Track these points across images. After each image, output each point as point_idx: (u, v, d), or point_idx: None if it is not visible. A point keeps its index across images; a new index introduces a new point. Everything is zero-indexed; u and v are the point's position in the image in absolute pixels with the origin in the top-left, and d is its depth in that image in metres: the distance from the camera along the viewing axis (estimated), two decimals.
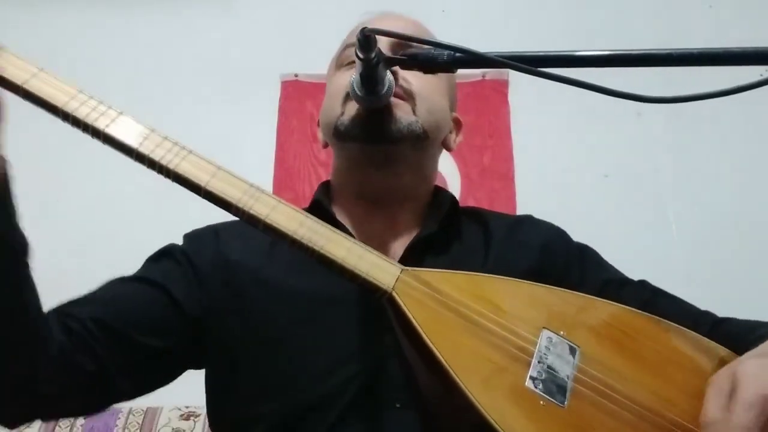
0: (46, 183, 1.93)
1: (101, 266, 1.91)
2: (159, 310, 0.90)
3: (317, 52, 2.23)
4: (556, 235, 1.07)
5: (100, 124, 0.72)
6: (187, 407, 1.64)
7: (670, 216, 2.10)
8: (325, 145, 1.08)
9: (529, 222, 1.10)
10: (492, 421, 0.67)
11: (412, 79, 0.96)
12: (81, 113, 0.72)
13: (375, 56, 0.77)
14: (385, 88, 0.85)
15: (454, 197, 1.07)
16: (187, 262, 0.95)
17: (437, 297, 0.75)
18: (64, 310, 0.84)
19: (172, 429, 1.67)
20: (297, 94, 2.23)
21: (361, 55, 0.78)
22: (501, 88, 2.22)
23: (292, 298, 0.89)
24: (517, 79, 2.15)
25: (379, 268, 0.74)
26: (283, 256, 0.93)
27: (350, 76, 0.94)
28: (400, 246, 0.97)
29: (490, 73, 2.21)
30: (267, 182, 2.13)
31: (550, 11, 2.32)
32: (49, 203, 1.92)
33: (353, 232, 0.97)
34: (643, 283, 1.02)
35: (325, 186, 1.08)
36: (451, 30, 2.18)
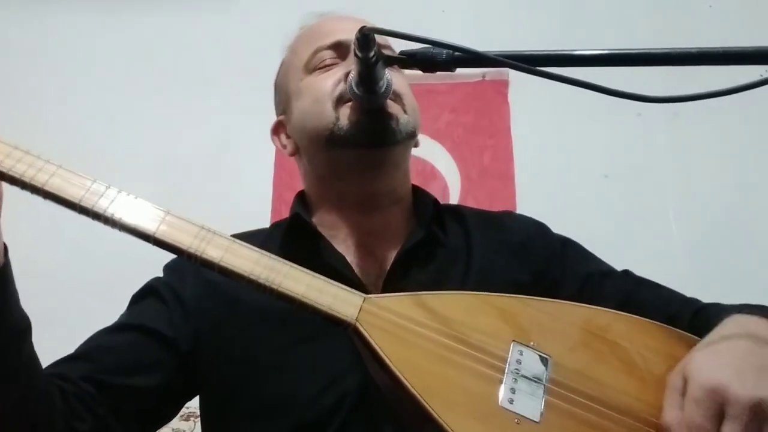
0: None
1: (99, 266, 1.90)
2: (149, 353, 0.90)
3: None
4: (536, 229, 1.06)
5: (39, 181, 0.70)
6: (187, 408, 1.63)
7: (670, 216, 2.10)
8: (293, 154, 1.05)
9: (508, 218, 1.09)
10: None
11: (393, 78, 0.93)
12: (17, 171, 0.70)
13: (374, 55, 0.77)
14: (384, 86, 0.85)
15: (436, 199, 1.05)
16: (173, 296, 0.94)
17: (403, 323, 0.74)
18: (56, 372, 0.83)
19: (172, 429, 1.67)
20: None
21: (359, 54, 0.78)
22: (501, 88, 2.22)
23: (281, 319, 0.88)
24: (517, 79, 2.15)
25: (340, 300, 0.73)
26: None
27: (333, 79, 0.95)
28: (387, 257, 0.96)
29: (490, 73, 2.21)
30: (267, 182, 2.13)
31: (550, 11, 2.31)
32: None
33: (337, 245, 0.96)
34: (626, 273, 1.01)
35: (301, 197, 1.06)
36: (451, 30, 2.19)
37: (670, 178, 2.14)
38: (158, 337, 0.90)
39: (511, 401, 0.71)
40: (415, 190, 1.06)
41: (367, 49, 0.77)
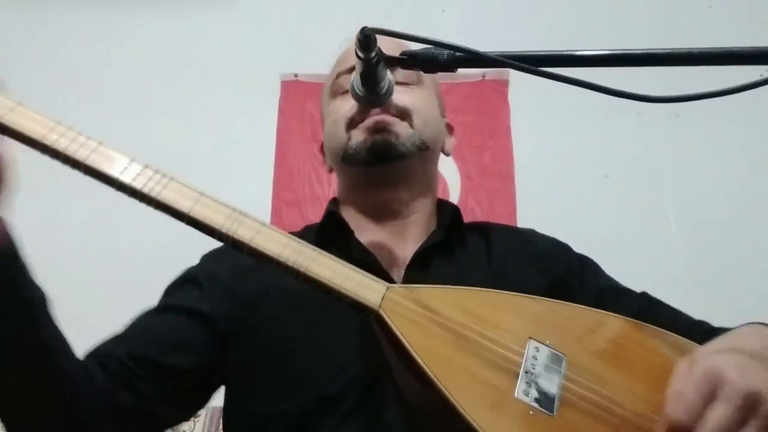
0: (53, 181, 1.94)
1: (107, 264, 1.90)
2: (191, 332, 0.94)
3: (317, 52, 2.22)
4: (558, 246, 1.10)
5: (80, 155, 0.72)
6: None
7: (670, 216, 2.10)
8: (331, 170, 1.14)
9: (531, 234, 1.13)
10: (480, 430, 0.67)
11: (404, 96, 1.01)
12: (60, 145, 0.71)
13: (375, 56, 0.77)
14: (385, 87, 0.85)
15: (457, 207, 1.10)
16: (209, 279, 1.00)
17: (424, 313, 0.75)
18: (100, 351, 0.88)
19: (173, 428, 1.67)
20: (297, 94, 2.22)
21: (361, 55, 0.78)
22: (501, 88, 2.22)
23: (305, 302, 0.91)
24: (517, 79, 2.15)
25: (364, 286, 0.74)
26: None
27: (348, 104, 1.01)
28: (408, 253, 1.00)
29: (490, 73, 2.21)
30: (267, 182, 2.14)
31: (550, 11, 2.32)
32: (54, 202, 1.92)
33: (363, 243, 1.00)
34: (642, 294, 1.04)
35: (334, 201, 1.13)
36: (451, 30, 2.20)
37: (670, 178, 2.15)
38: (198, 315, 0.95)
39: (526, 393, 0.72)
40: (441, 202, 1.12)
41: (369, 50, 0.77)
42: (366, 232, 1.03)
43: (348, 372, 0.88)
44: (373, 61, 0.79)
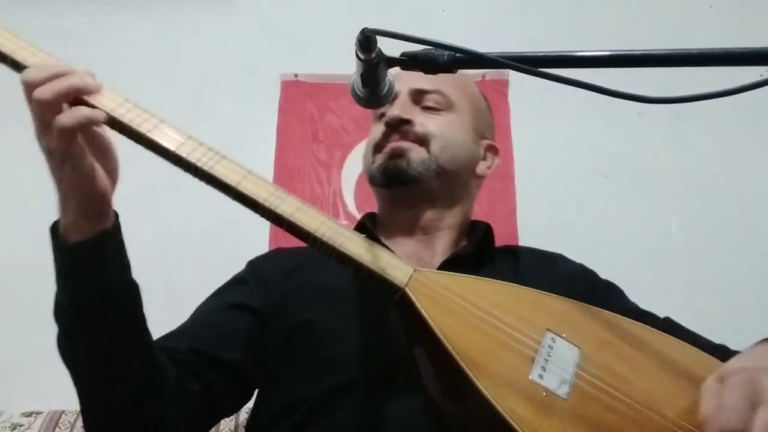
0: None
1: None
2: (242, 325, 1.02)
3: (317, 52, 2.23)
4: (584, 270, 1.14)
5: (143, 129, 0.78)
6: None
7: (670, 216, 2.10)
8: None
9: (560, 258, 1.17)
10: (496, 405, 0.70)
11: (430, 122, 1.08)
12: (127, 119, 0.78)
13: (375, 56, 0.78)
14: (386, 88, 0.86)
15: (489, 226, 1.16)
16: (254, 278, 1.08)
17: (447, 295, 0.80)
18: (164, 345, 0.93)
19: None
20: (297, 94, 2.22)
21: (361, 56, 0.78)
22: (501, 88, 2.22)
23: (331, 294, 0.99)
24: (517, 79, 2.14)
25: (393, 266, 0.79)
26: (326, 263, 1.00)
27: (378, 130, 1.10)
28: (436, 262, 1.05)
29: (490, 73, 2.21)
30: None
31: (550, 11, 2.31)
32: None
33: (393, 250, 1.03)
34: (665, 319, 1.05)
35: (371, 214, 1.19)
36: (451, 30, 2.19)
37: (670, 178, 2.14)
38: (247, 309, 1.03)
39: (541, 377, 0.75)
40: (474, 222, 1.18)
41: (369, 51, 0.77)
42: (395, 243, 1.08)
43: (364, 362, 0.92)
44: (373, 62, 0.79)
